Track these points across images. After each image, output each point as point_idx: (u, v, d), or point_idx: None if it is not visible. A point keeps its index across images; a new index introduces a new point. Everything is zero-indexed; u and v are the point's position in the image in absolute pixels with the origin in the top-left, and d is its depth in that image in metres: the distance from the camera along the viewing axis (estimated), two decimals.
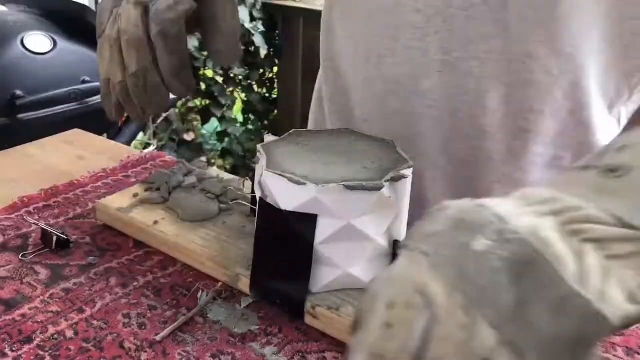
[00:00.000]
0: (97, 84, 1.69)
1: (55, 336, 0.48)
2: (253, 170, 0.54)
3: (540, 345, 0.27)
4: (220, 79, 2.77)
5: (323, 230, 0.48)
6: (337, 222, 0.48)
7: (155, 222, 0.60)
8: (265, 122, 2.71)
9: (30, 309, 0.51)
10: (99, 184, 0.73)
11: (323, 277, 0.50)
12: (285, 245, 0.49)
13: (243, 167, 2.61)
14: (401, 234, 0.51)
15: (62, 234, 0.60)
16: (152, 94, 0.61)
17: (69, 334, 0.49)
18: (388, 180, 0.48)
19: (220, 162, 2.71)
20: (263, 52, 2.55)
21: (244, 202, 0.62)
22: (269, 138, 0.55)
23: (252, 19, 2.69)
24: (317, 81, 0.82)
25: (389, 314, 0.29)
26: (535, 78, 0.60)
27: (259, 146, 0.52)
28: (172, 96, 0.64)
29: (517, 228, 0.29)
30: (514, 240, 0.29)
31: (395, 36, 0.63)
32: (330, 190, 0.47)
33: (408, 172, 0.49)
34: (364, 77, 0.67)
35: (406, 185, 0.50)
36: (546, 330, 0.27)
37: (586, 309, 0.27)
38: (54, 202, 0.68)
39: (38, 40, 1.60)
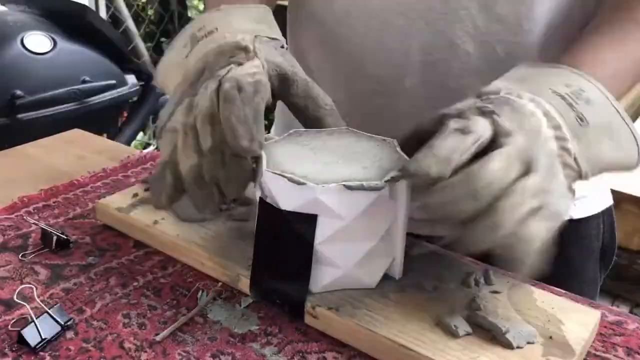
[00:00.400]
0: (97, 83, 1.70)
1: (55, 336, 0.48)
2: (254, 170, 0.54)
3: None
4: None
5: (323, 231, 0.48)
6: (337, 222, 0.48)
7: (155, 222, 0.60)
8: (265, 122, 2.70)
9: (30, 309, 0.51)
10: (99, 184, 0.73)
11: (323, 277, 0.50)
12: (285, 245, 0.49)
13: None
14: (401, 234, 0.51)
15: (62, 234, 0.60)
16: (232, 168, 0.51)
17: (69, 334, 0.49)
18: (388, 180, 0.48)
19: None
20: None
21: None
22: (269, 138, 0.55)
23: None
24: None
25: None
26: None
27: None
28: None
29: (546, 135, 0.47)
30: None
31: (378, 37, 0.65)
32: (331, 190, 0.47)
33: None
34: (342, 77, 0.68)
35: (407, 186, 0.50)
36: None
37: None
38: (53, 202, 0.68)
39: (38, 40, 1.60)
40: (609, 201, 0.76)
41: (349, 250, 0.49)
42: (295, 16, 0.74)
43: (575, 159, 0.47)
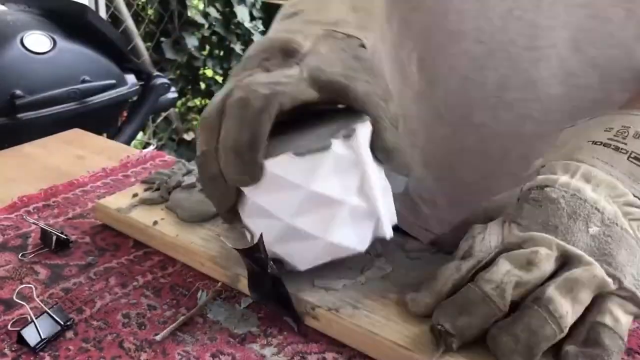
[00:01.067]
0: (97, 83, 1.70)
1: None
2: None
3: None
4: (220, 79, 2.77)
5: (288, 204, 0.47)
6: (300, 192, 0.46)
7: (155, 223, 0.60)
8: None
9: (29, 308, 0.51)
10: (99, 183, 0.73)
11: (306, 253, 0.49)
12: (263, 276, 0.49)
13: None
14: (377, 189, 0.48)
15: (62, 233, 0.60)
16: (211, 186, 0.49)
17: (69, 334, 0.49)
18: (339, 138, 0.46)
19: None
20: None
21: None
22: None
23: (252, 18, 2.69)
24: None
25: (532, 256, 0.43)
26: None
27: None
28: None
29: (609, 216, 0.44)
30: (611, 226, 0.44)
31: (453, 62, 0.60)
32: (279, 161, 0.46)
33: (362, 125, 0.47)
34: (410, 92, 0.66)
35: (364, 140, 0.47)
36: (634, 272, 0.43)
37: None
38: (53, 202, 0.68)
39: (38, 40, 1.60)
40: None
41: (322, 218, 0.47)
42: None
43: None
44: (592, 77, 0.57)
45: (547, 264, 0.43)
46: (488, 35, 0.58)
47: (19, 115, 1.53)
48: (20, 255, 0.58)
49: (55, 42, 1.62)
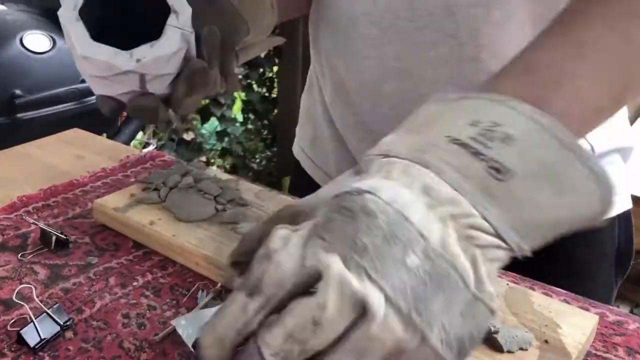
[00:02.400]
0: None
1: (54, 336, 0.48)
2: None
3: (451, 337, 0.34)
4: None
5: None
6: None
7: (152, 223, 0.60)
8: (265, 122, 2.71)
9: (29, 309, 0.51)
10: (99, 183, 0.73)
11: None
12: None
13: (243, 166, 2.61)
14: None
15: (61, 233, 0.60)
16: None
17: (68, 334, 0.49)
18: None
19: (219, 161, 2.70)
20: (263, 52, 2.54)
21: (240, 203, 0.62)
22: None
23: None
24: (310, 69, 0.87)
25: (319, 313, 0.33)
26: (481, 79, 0.60)
27: None
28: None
29: (434, 246, 0.34)
30: (435, 259, 0.34)
31: (355, 47, 0.67)
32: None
33: None
34: (335, 80, 0.72)
35: None
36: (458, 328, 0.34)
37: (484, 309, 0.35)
38: (53, 202, 0.68)
39: (37, 40, 1.60)
40: (626, 205, 0.72)
41: None
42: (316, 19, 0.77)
43: (496, 232, 0.35)
44: (467, 38, 0.62)
45: (335, 324, 0.33)
46: (377, 16, 0.65)
47: (19, 115, 1.54)
48: (19, 255, 0.58)
49: (54, 42, 1.62)
